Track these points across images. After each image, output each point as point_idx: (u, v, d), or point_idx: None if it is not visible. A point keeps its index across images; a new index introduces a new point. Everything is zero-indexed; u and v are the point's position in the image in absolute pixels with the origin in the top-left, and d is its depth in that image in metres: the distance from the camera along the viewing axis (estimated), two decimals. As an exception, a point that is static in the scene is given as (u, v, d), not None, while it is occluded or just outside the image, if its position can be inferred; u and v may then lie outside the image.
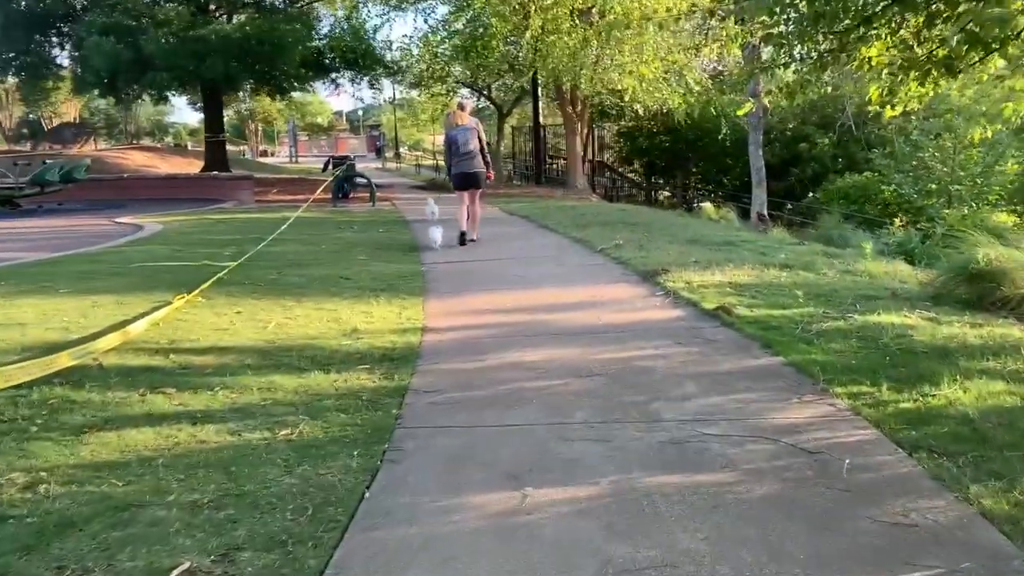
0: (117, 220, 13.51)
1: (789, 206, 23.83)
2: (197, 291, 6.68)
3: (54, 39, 21.84)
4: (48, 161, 18.06)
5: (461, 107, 11.12)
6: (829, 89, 22.48)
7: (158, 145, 43.28)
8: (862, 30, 4.58)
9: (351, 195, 18.97)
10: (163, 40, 19.12)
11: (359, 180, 17.78)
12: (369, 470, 3.25)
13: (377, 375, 4.57)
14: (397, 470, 3.27)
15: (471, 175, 10.19)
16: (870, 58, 4.99)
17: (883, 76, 5.12)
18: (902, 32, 4.66)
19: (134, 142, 45.41)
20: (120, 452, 3.46)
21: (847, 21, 4.56)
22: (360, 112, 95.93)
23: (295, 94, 56.93)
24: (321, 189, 15.71)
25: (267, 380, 4.44)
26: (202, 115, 70.46)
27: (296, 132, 55.36)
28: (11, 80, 29.55)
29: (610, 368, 4.62)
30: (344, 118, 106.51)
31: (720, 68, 25.90)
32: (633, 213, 14.13)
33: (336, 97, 51.30)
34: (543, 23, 18.02)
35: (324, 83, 27.37)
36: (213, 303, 6.43)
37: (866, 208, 20.37)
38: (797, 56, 4.91)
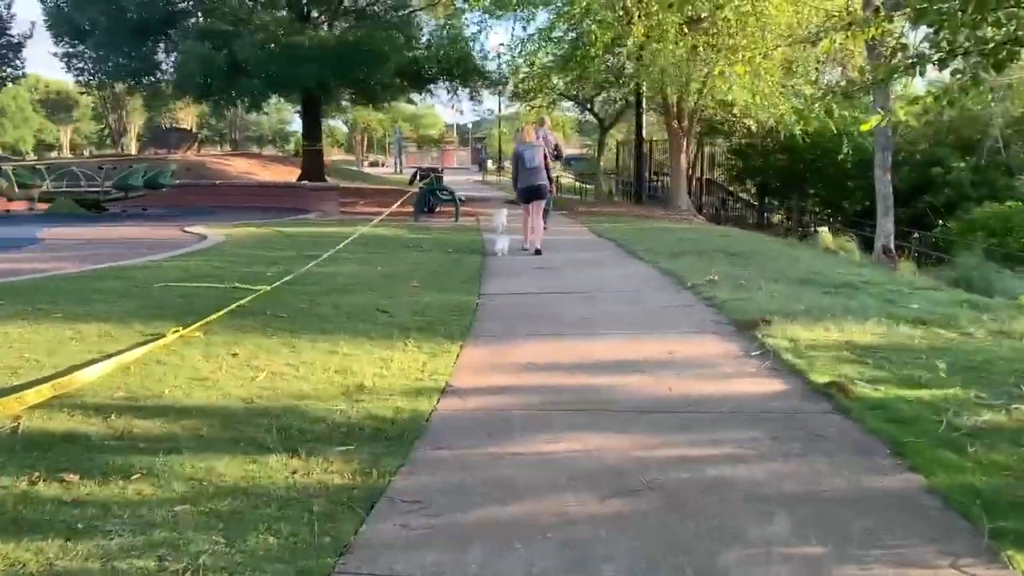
0: (186, 229, 12.99)
1: (916, 235, 21.55)
2: (200, 323, 5.73)
3: (159, 45, 21.98)
4: (133, 166, 17.99)
5: (542, 122, 12.86)
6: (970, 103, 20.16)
7: (262, 152, 44.17)
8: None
9: (437, 209, 18.09)
10: (257, 46, 18.82)
11: (442, 195, 16.85)
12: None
13: (355, 465, 3.41)
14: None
15: (534, 188, 10.86)
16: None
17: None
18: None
19: (236, 149, 46.43)
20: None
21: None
22: (469, 125, 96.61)
23: (411, 105, 57.38)
24: (399, 203, 14.84)
25: (207, 467, 3.35)
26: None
27: (401, 143, 55.47)
28: (120, 86, 30.34)
29: (670, 476, 3.31)
30: (455, 131, 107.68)
31: (841, 81, 23.82)
32: (737, 240, 12.58)
33: (450, 110, 51.06)
34: (647, 30, 16.66)
35: (421, 94, 26.73)
36: (211, 340, 5.45)
37: (1009, 242, 18.03)
38: (961, 47, 3.45)
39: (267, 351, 5.23)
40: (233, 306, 6.38)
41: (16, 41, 28.21)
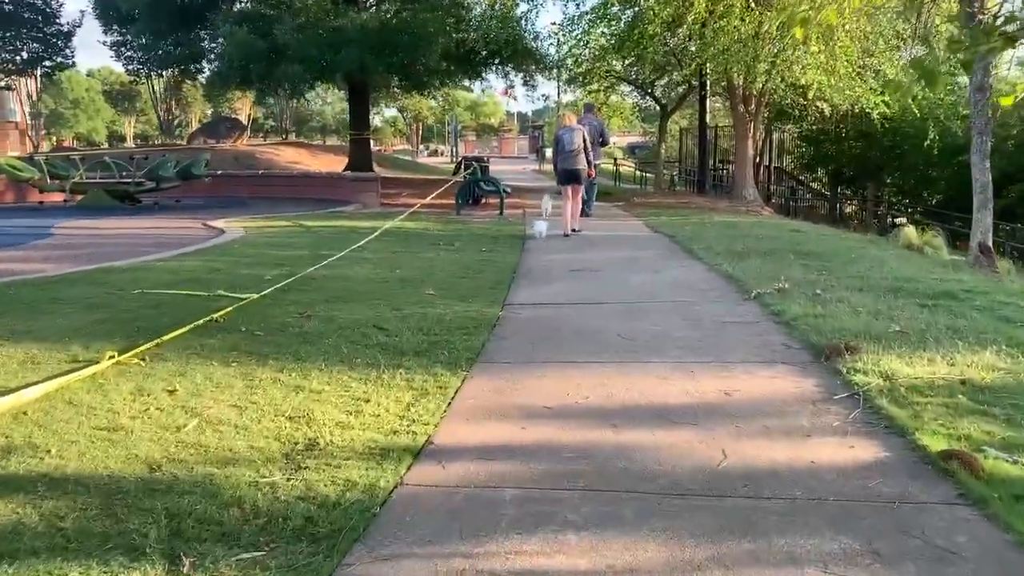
0: (208, 223, 12.17)
1: (1009, 229, 19.59)
2: (146, 346, 4.74)
3: (203, 32, 21.33)
4: (166, 156, 17.34)
5: (589, 109, 13.89)
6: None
7: (325, 142, 43.68)
8: None
9: (483, 201, 16.99)
10: (297, 30, 17.95)
11: (486, 186, 15.72)
12: None
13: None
14: None
15: (572, 171, 11.24)
16: None
17: None
18: None
19: (287, 139, 46.09)
20: None
21: None
22: (529, 114, 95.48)
23: (468, 93, 56.43)
24: (433, 195, 13.82)
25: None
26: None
27: (457, 131, 54.51)
28: (168, 75, 30.00)
29: (718, 634, 2.14)
30: (515, 120, 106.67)
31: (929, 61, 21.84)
32: (811, 237, 11.15)
33: (505, 97, 49.76)
34: (710, 5, 15.20)
35: (471, 80, 25.57)
36: (152, 370, 4.45)
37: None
38: None
39: (216, 386, 4.20)
40: (202, 321, 5.38)
41: (67, 30, 28.15)
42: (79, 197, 16.05)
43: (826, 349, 4.84)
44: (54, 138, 67.67)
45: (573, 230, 11.19)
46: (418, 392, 4.15)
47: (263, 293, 6.40)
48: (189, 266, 7.85)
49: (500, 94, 41.11)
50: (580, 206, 11.81)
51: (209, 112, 58.63)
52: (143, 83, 35.27)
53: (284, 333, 5.31)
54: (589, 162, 11.46)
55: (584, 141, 11.19)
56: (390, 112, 64.63)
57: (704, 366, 4.66)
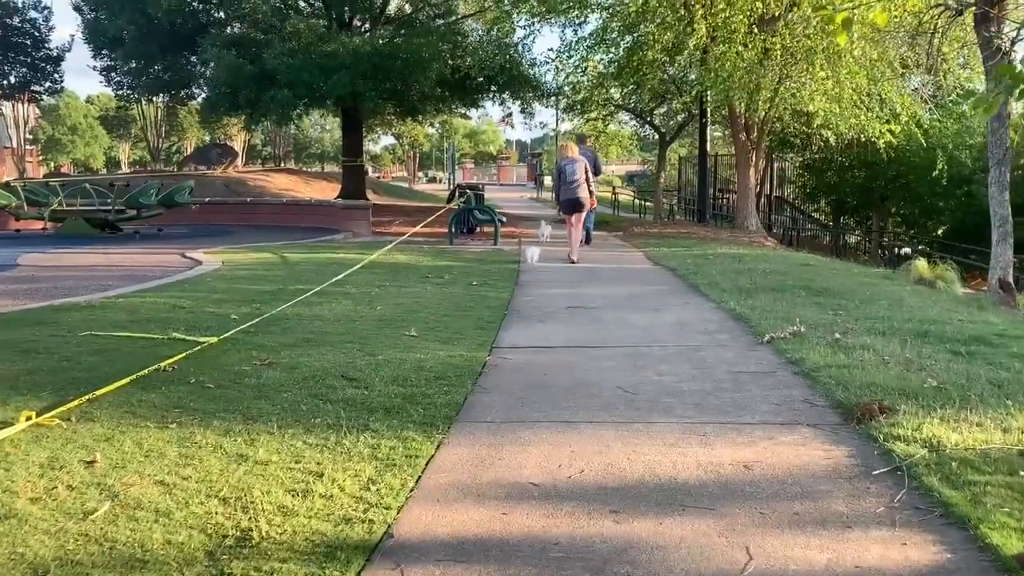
0: (186, 254, 11.57)
1: None
2: (70, 404, 4.11)
3: (191, 57, 20.91)
4: (148, 183, 16.77)
5: (581, 140, 14.67)
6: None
7: (307, 169, 43.31)
8: None
9: (477, 230, 16.44)
10: (287, 54, 17.48)
11: (480, 215, 15.17)
12: None
13: None
14: None
15: (575, 200, 11.72)
16: None
17: None
18: None
19: (280, 165, 45.65)
20: None
21: None
22: (529, 142, 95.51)
23: (466, 120, 56.08)
24: (422, 224, 13.28)
25: None
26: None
27: (455, 159, 54.17)
28: (159, 100, 29.59)
29: None
30: (515, 147, 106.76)
31: (935, 90, 21.41)
32: (820, 271, 10.57)
33: (504, 125, 49.41)
34: (712, 30, 14.75)
35: (467, 107, 25.11)
36: (75, 433, 3.81)
37: None
38: None
39: (145, 455, 3.57)
40: (146, 371, 4.76)
41: (55, 55, 27.75)
42: (57, 225, 15.46)
43: (856, 409, 4.22)
44: (51, 164, 67.38)
45: (572, 260, 11.54)
46: (383, 463, 3.52)
47: (223, 336, 5.77)
48: (151, 303, 7.23)
49: (499, 123, 40.72)
50: (582, 234, 12.33)
51: (207, 138, 58.34)
52: (132, 108, 34.81)
53: (238, 385, 4.68)
54: (591, 192, 11.99)
55: (586, 171, 11.70)
56: (389, 139, 64.39)
57: (718, 428, 4.04)
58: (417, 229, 13.23)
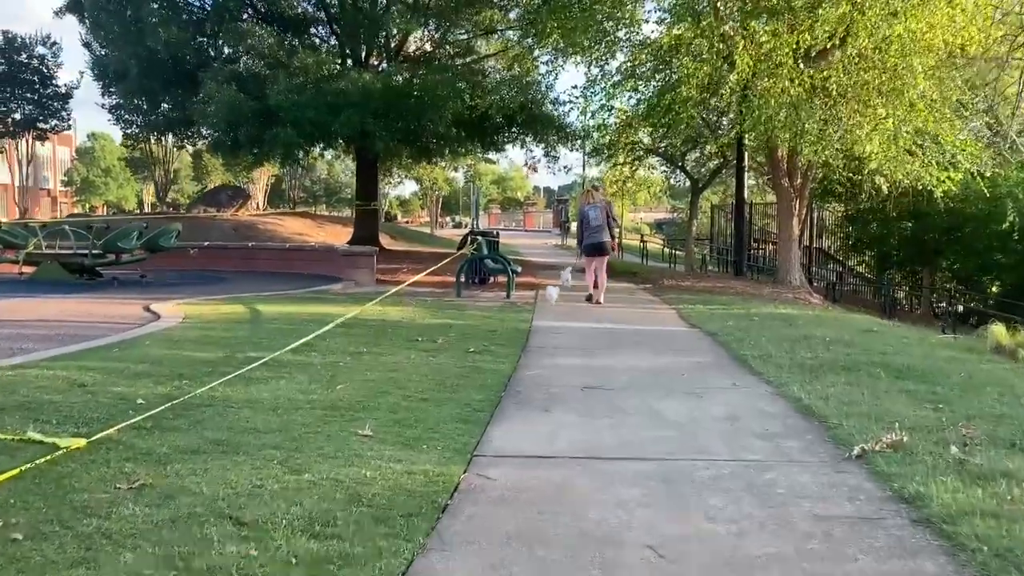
0: (151, 306, 10.08)
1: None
2: None
3: (195, 94, 19.78)
4: (132, 225, 15.41)
5: (595, 188, 14.16)
6: None
7: (321, 213, 42.29)
8: None
9: (491, 280, 14.86)
10: (292, 90, 16.23)
11: (490, 264, 13.63)
12: None
13: None
14: None
15: (598, 245, 12.04)
16: None
17: None
18: None
19: (294, 208, 44.64)
20: None
21: None
22: (556, 188, 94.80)
23: (490, 164, 54.96)
24: (424, 273, 11.79)
25: None
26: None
27: (478, 204, 52.87)
28: (168, 139, 28.63)
29: None
30: (542, 194, 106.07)
31: (993, 135, 19.68)
32: (890, 340, 8.80)
33: (528, 169, 47.98)
34: (754, 65, 13.21)
35: (486, 149, 23.74)
36: None
37: None
38: None
39: None
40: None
41: (64, 92, 26.94)
42: (31, 269, 14.16)
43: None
44: (85, 205, 67.31)
45: (597, 302, 11.89)
46: None
47: (100, 435, 4.18)
48: (47, 377, 5.67)
49: (523, 167, 39.49)
50: (605, 278, 12.32)
51: (231, 179, 57.76)
52: (140, 147, 34.00)
53: (69, 532, 3.06)
54: (613, 236, 12.39)
55: (608, 217, 12.09)
56: (413, 184, 63.56)
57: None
58: (420, 278, 11.72)
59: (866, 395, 5.67)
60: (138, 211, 60.95)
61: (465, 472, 4.01)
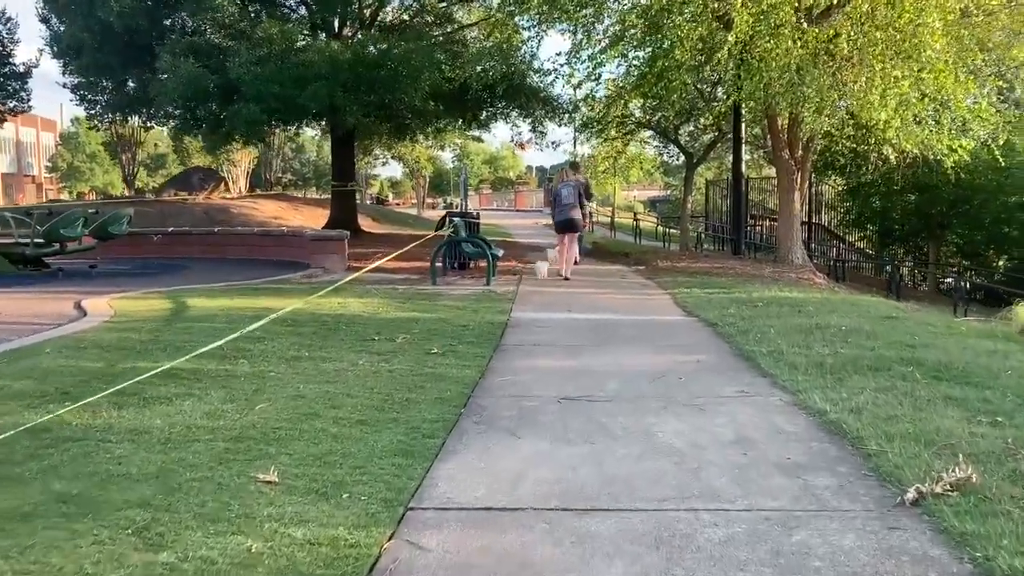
0: (82, 302, 8.97)
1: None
2: None
3: (153, 68, 18.51)
4: (75, 211, 14.24)
5: (573, 166, 14.93)
6: None
7: (311, 196, 40.94)
8: None
9: (471, 265, 13.78)
10: (254, 62, 15.02)
11: (468, 247, 12.56)
12: None
13: None
14: None
15: (568, 221, 12.44)
16: None
17: None
18: None
19: (272, 191, 43.28)
20: None
21: None
22: (548, 167, 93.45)
23: (478, 143, 53.58)
24: (388, 258, 10.74)
25: None
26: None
27: (467, 184, 51.59)
28: (133, 121, 27.30)
29: None
30: (534, 173, 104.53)
31: (1001, 101, 18.56)
32: (915, 329, 7.74)
33: (515, 146, 46.51)
34: (753, 25, 12.06)
35: (468, 125, 22.51)
36: None
37: None
38: None
39: None
40: None
41: (21, 71, 25.57)
42: (-32, 261, 13.03)
43: None
44: (72, 191, 65.78)
45: (565, 278, 12.14)
46: None
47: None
48: None
49: (511, 142, 38.20)
50: (575, 253, 12.86)
51: (212, 162, 56.18)
52: (107, 130, 32.67)
53: None
54: (584, 214, 12.98)
55: (580, 195, 12.46)
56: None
57: None
58: (384, 263, 10.68)
59: (905, 405, 4.64)
60: (125, 196, 59.44)
61: (391, 539, 2.97)
